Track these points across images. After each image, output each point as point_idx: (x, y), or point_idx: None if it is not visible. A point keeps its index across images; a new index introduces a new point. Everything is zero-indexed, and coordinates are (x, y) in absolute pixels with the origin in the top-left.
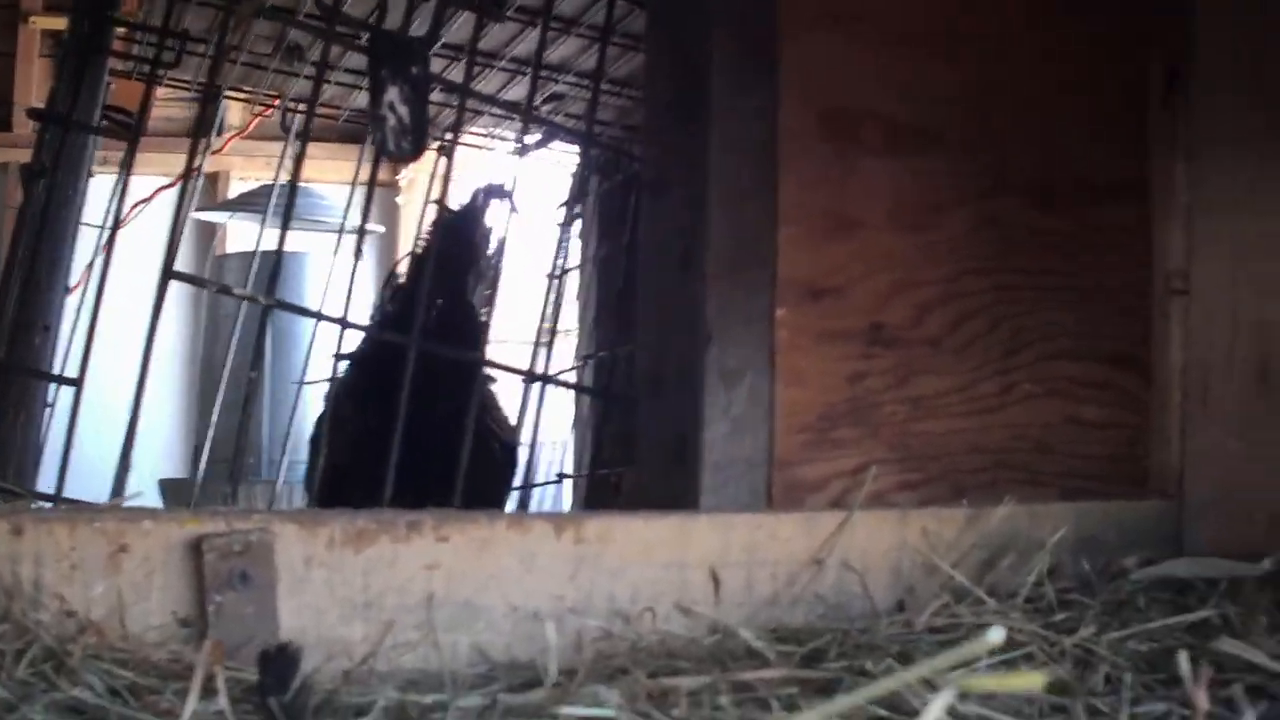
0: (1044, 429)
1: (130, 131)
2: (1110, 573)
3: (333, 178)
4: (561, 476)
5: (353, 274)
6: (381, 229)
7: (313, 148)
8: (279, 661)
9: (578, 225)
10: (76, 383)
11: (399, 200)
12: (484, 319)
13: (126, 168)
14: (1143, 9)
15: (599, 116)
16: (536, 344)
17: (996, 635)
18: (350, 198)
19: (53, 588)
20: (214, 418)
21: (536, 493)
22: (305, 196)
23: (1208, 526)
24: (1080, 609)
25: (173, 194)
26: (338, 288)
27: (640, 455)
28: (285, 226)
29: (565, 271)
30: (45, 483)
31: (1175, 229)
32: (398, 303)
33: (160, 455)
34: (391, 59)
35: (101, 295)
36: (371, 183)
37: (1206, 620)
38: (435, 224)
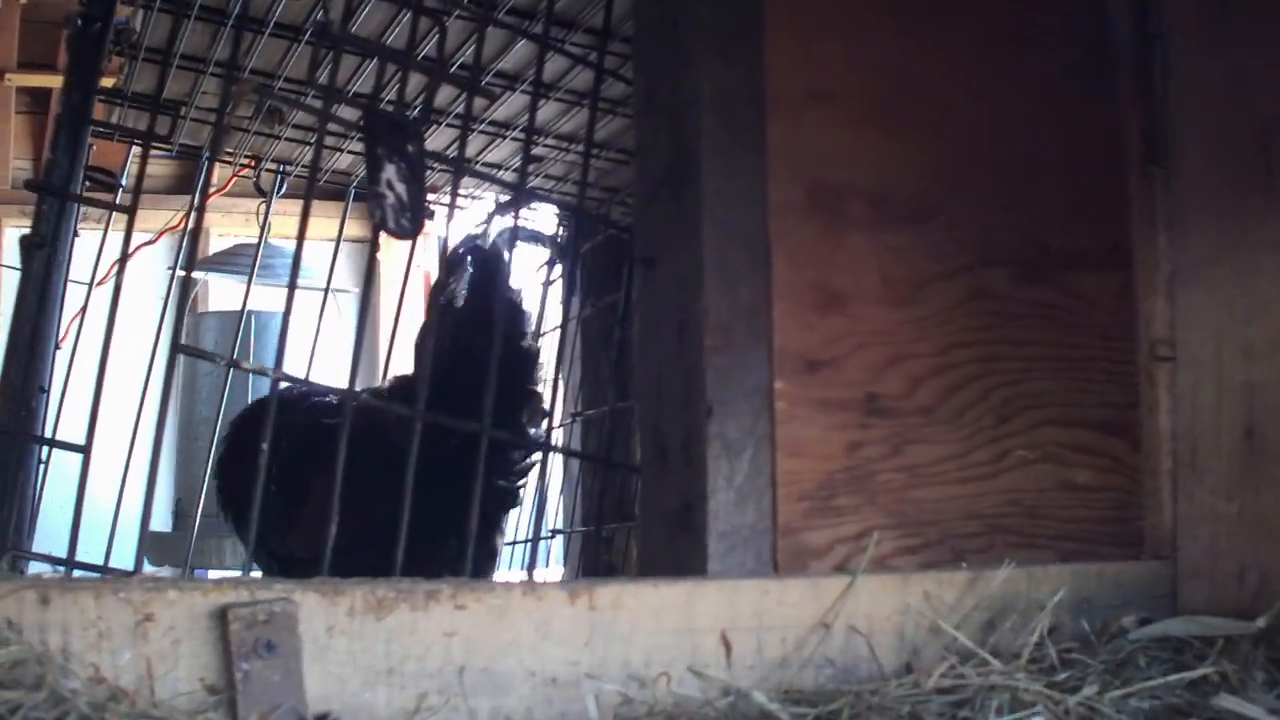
0: (1037, 494)
1: (114, 194)
2: (1109, 632)
3: (311, 234)
4: (554, 532)
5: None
6: (355, 291)
7: (291, 204)
8: None
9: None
10: (84, 449)
11: (378, 256)
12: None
13: (126, 232)
14: (1121, 81)
15: (577, 178)
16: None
17: None
18: (328, 253)
19: (81, 656)
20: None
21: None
22: (281, 255)
23: (1201, 586)
24: (1082, 668)
25: (154, 250)
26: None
27: (645, 524)
28: (250, 282)
29: (545, 332)
30: (42, 542)
31: (1159, 296)
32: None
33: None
34: (387, 137)
35: (105, 362)
36: (371, 263)
37: (1205, 677)
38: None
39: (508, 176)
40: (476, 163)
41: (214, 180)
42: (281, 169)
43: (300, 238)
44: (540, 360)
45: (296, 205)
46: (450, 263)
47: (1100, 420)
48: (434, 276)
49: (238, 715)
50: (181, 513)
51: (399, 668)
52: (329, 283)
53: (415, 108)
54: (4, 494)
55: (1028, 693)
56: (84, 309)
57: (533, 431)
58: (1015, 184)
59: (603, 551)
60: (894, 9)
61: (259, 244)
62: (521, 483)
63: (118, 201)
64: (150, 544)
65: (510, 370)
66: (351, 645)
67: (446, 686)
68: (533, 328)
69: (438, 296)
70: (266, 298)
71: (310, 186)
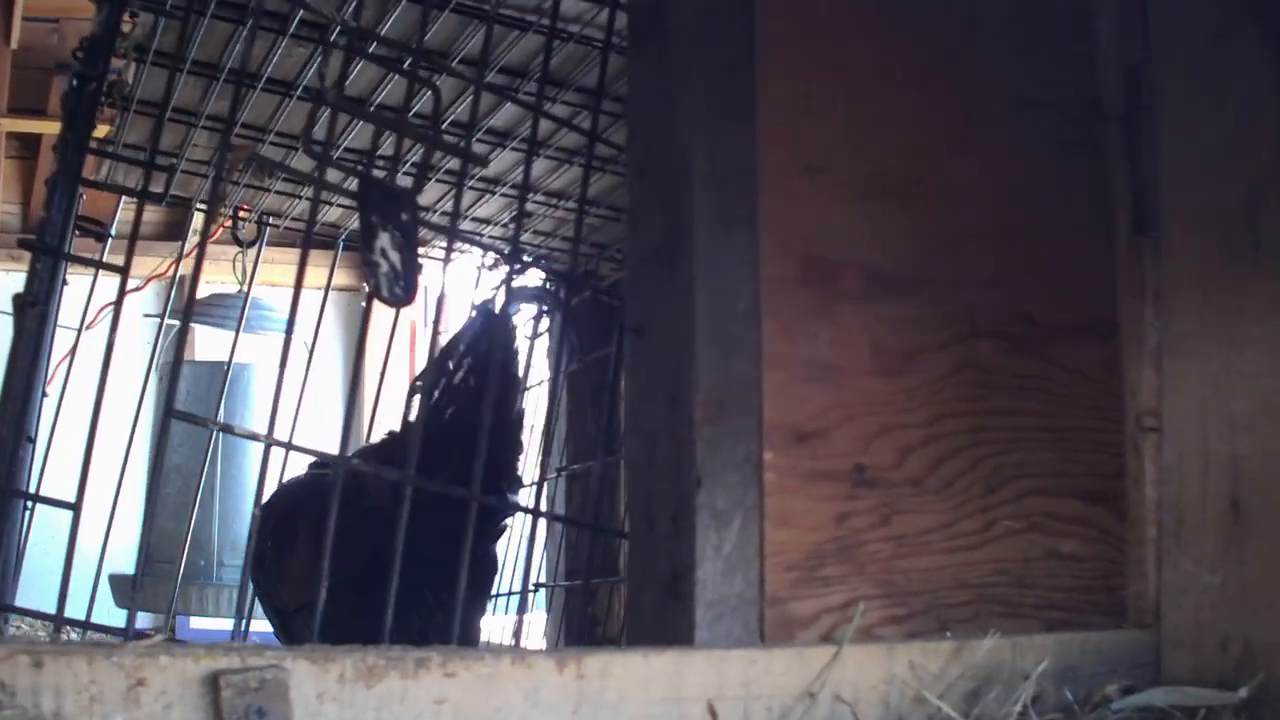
0: (1023, 563)
1: (103, 244)
2: (1093, 702)
3: (292, 283)
4: (537, 586)
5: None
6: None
7: (276, 253)
8: None
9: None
10: (75, 506)
11: (364, 305)
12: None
13: (118, 296)
14: (1109, 151)
15: (567, 234)
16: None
17: None
18: (301, 301)
19: (73, 719)
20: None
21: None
22: (256, 307)
23: (1184, 655)
24: None
25: (140, 296)
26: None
27: (632, 590)
28: (238, 335)
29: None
30: (23, 590)
31: (1146, 368)
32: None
33: (125, 554)
34: (380, 205)
35: (97, 420)
36: (362, 336)
37: None
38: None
39: (497, 232)
40: (466, 217)
41: (199, 229)
42: (268, 220)
43: (295, 299)
44: (524, 424)
45: (282, 254)
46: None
47: (1087, 490)
48: (419, 329)
49: None
50: (150, 558)
51: None
52: (315, 334)
53: (406, 165)
54: None
55: None
56: (73, 352)
57: (510, 496)
58: (1004, 256)
59: (586, 605)
60: (886, 83)
61: (245, 296)
62: (493, 544)
63: (106, 252)
64: (115, 587)
65: (499, 439)
66: (342, 712)
67: None
68: (522, 390)
69: (444, 359)
70: (245, 347)
71: (306, 243)
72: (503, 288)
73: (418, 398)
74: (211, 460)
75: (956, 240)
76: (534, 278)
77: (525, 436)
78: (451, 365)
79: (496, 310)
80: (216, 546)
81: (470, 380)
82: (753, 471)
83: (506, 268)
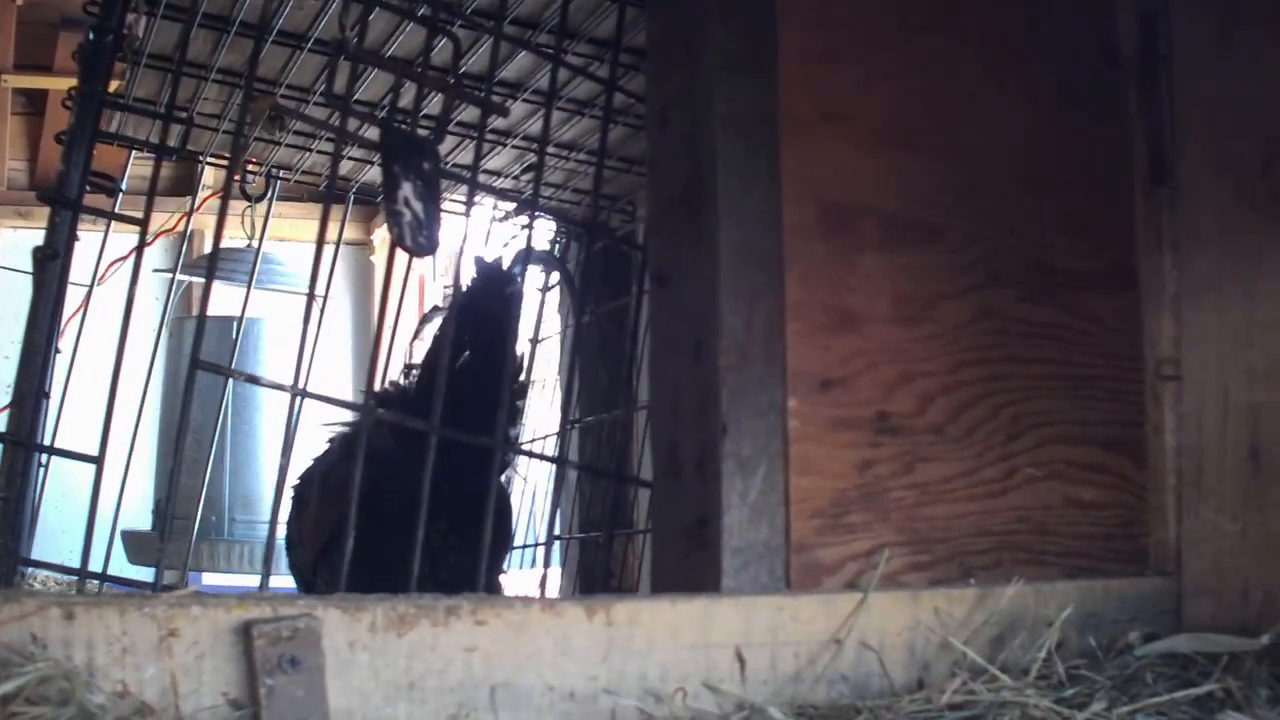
0: (1044, 511)
1: (114, 199)
2: (1116, 648)
3: (306, 237)
4: (554, 538)
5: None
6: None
7: (284, 207)
8: None
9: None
10: (98, 460)
11: (373, 259)
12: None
13: (138, 254)
14: (1127, 102)
15: (578, 186)
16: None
17: None
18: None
19: (106, 671)
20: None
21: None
22: (266, 261)
23: (1205, 603)
24: (1089, 684)
25: (149, 251)
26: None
27: (657, 539)
28: (250, 289)
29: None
30: (37, 544)
31: (1165, 316)
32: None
33: (142, 507)
34: (403, 155)
35: (118, 376)
36: (385, 291)
37: (1210, 694)
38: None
39: (508, 184)
40: (479, 170)
41: (209, 184)
42: (278, 174)
43: (318, 254)
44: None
45: (291, 208)
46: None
47: (1106, 438)
48: (429, 281)
49: None
50: (160, 513)
51: (420, 683)
52: (328, 288)
53: (423, 116)
54: (16, 502)
55: (1037, 709)
56: (85, 308)
57: (513, 432)
58: (1022, 204)
59: (600, 557)
60: (903, 31)
61: (255, 251)
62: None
63: (118, 206)
64: (128, 544)
65: (493, 388)
66: (374, 660)
67: (467, 701)
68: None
69: (451, 309)
70: (254, 302)
71: (328, 197)
72: (513, 241)
73: (418, 343)
74: (223, 415)
75: (975, 188)
76: (541, 233)
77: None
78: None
79: (493, 264)
80: (229, 502)
81: (467, 334)
82: (777, 419)
83: (517, 220)
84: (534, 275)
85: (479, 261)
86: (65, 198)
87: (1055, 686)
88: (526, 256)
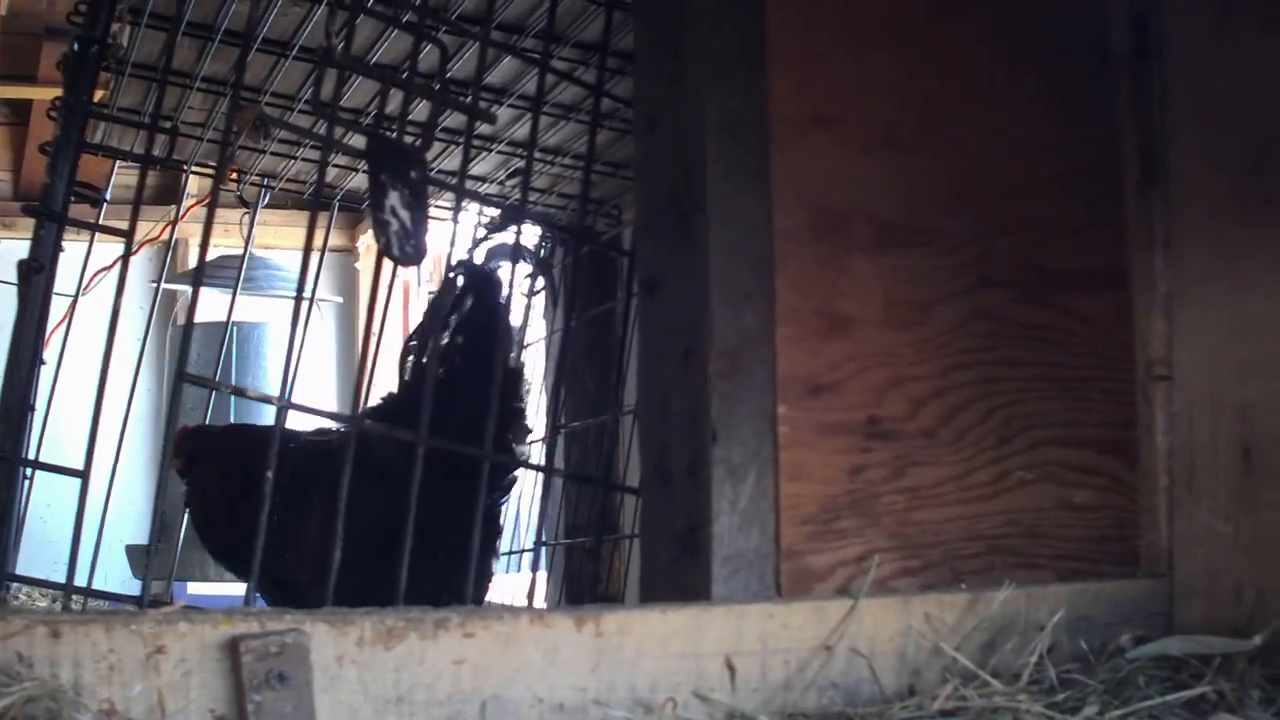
0: (1036, 514)
1: (98, 209)
2: (1108, 651)
3: (290, 244)
4: (540, 544)
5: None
6: (339, 299)
7: (271, 215)
8: None
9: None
10: (83, 474)
11: (358, 266)
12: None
13: (123, 264)
14: (1118, 101)
15: (564, 190)
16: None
17: None
18: (310, 263)
19: (92, 689)
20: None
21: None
22: (265, 267)
23: (1198, 604)
24: (1081, 688)
25: (134, 261)
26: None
27: (646, 545)
28: (235, 295)
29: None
30: (21, 558)
31: (1156, 316)
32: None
33: (125, 519)
34: (390, 163)
35: (104, 387)
36: (372, 301)
37: (1202, 696)
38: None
39: (493, 189)
40: (448, 154)
41: (194, 191)
42: (266, 182)
43: (305, 261)
44: (524, 377)
45: (275, 215)
46: (448, 285)
47: (1098, 439)
48: (414, 287)
49: None
50: (163, 525)
51: (409, 696)
52: (314, 293)
53: (409, 123)
54: (2, 518)
55: (1029, 714)
56: (69, 319)
57: (517, 448)
58: (1013, 206)
59: (587, 563)
60: (893, 32)
61: (243, 256)
62: (505, 499)
63: (102, 216)
64: (133, 558)
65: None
66: (362, 675)
67: (456, 714)
68: (518, 343)
69: (436, 317)
70: (246, 308)
71: (315, 204)
72: (485, 244)
73: (411, 359)
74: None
75: (965, 190)
76: (509, 236)
77: (524, 387)
78: (440, 326)
79: (479, 267)
80: None
81: (459, 339)
82: (767, 425)
83: (501, 226)
84: (519, 277)
85: (468, 265)
86: (51, 210)
87: (1047, 691)
88: (515, 255)
